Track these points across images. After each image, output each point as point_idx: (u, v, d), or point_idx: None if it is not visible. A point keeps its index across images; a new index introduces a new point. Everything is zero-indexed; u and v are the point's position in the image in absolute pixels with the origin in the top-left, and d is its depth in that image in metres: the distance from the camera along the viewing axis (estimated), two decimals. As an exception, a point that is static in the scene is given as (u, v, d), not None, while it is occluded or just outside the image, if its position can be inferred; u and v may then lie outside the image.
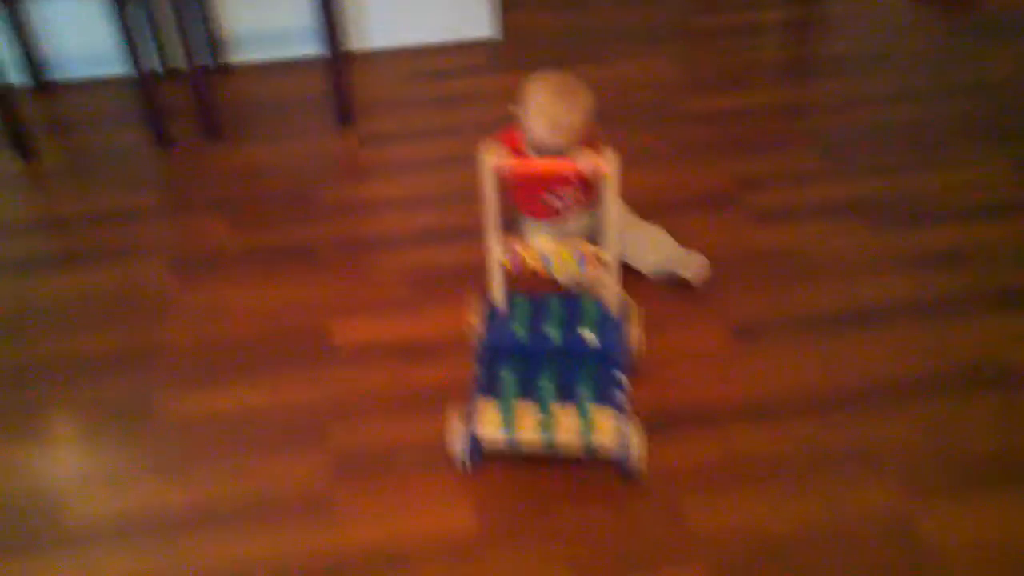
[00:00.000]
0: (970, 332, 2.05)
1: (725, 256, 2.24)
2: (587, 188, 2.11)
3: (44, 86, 2.99)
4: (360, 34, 2.97)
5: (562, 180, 2.09)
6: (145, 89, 2.62)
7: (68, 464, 1.91)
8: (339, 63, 2.70)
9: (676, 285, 2.17)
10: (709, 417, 1.90)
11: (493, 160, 1.75)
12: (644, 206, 2.26)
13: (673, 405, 1.92)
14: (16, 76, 2.85)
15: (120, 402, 2.00)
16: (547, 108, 1.92)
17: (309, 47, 2.92)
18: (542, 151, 1.96)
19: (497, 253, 1.85)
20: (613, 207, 1.79)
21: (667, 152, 2.64)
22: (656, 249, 2.18)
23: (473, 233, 2.00)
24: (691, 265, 2.16)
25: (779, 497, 1.75)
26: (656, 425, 1.85)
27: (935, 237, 2.30)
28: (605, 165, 1.75)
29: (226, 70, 2.99)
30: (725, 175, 2.54)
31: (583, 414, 1.76)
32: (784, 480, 1.78)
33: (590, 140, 1.95)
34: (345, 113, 2.77)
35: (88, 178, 2.65)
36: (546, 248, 1.85)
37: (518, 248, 1.85)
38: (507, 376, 1.84)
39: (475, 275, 2.07)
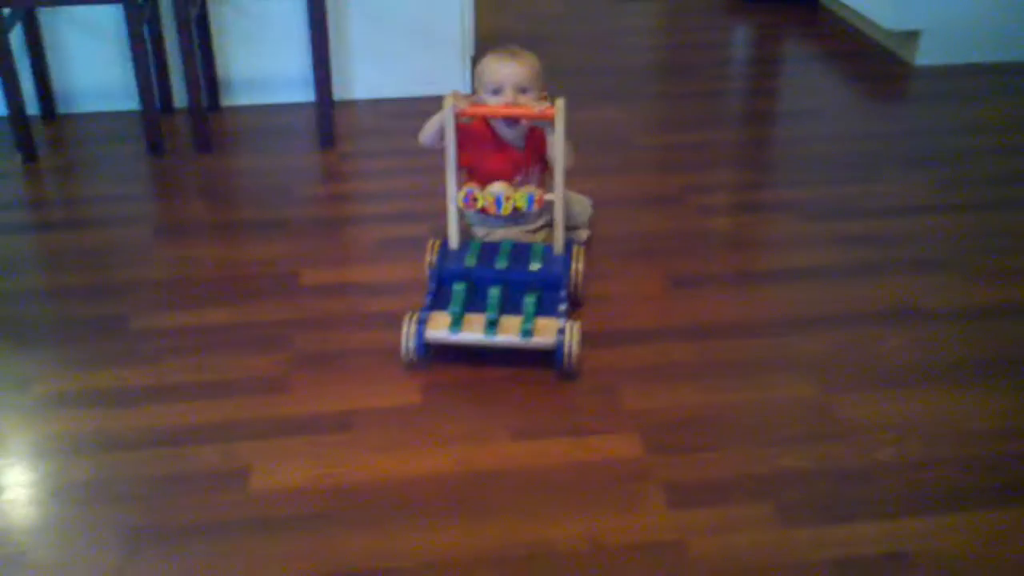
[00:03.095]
0: (885, 286, 2.22)
1: (667, 231, 2.43)
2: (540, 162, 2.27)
3: (52, 114, 3.22)
4: (344, 85, 3.27)
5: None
6: (145, 107, 2.86)
7: (43, 354, 2.04)
8: (324, 95, 2.97)
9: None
10: (647, 336, 2.04)
11: (453, 103, 1.96)
12: (605, 201, 2.48)
13: (615, 328, 2.06)
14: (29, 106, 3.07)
15: (97, 318, 2.13)
16: (493, 67, 2.10)
17: (299, 94, 3.21)
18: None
19: (454, 194, 2.03)
20: (560, 149, 1.99)
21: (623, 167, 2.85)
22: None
23: (438, 215, 2.17)
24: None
25: (704, 388, 1.88)
26: (598, 340, 1.99)
27: (856, 226, 2.48)
28: (553, 109, 1.96)
29: (220, 106, 3.25)
30: (674, 185, 2.74)
31: (526, 319, 1.90)
32: (711, 377, 1.91)
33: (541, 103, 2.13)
34: (327, 137, 3.01)
35: (82, 175, 2.86)
36: (501, 189, 2.03)
37: (473, 188, 2.04)
38: (458, 290, 1.98)
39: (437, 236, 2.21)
